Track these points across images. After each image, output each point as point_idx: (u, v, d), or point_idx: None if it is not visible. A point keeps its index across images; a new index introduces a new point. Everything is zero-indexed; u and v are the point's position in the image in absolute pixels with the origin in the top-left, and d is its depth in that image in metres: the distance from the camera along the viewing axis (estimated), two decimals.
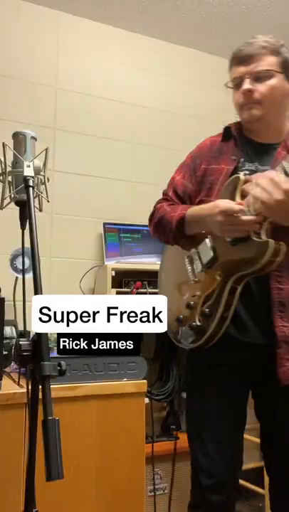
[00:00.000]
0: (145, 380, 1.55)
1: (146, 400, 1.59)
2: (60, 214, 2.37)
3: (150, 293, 2.00)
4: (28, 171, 1.07)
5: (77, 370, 1.45)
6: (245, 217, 1.14)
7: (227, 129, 1.40)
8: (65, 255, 2.36)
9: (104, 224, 2.38)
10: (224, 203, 1.18)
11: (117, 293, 2.07)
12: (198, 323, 1.25)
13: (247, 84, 1.27)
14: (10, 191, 1.17)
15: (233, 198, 1.20)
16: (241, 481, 2.17)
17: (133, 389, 1.52)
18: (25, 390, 1.29)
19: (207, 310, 1.23)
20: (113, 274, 2.07)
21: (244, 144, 1.35)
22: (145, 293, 2.01)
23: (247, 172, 1.26)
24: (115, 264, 2.12)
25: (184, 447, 2.02)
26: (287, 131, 1.33)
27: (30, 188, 1.02)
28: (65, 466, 0.73)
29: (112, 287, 2.07)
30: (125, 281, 2.12)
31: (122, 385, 1.50)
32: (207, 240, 1.28)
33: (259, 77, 1.27)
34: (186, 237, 1.33)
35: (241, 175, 1.22)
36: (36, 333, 0.84)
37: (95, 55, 2.58)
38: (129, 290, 2.05)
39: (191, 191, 1.39)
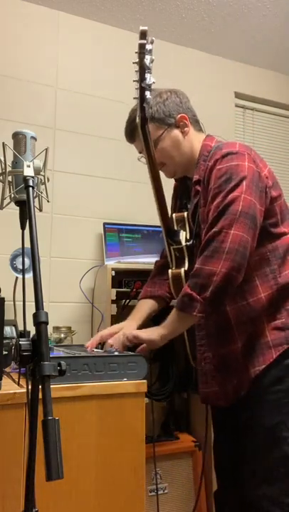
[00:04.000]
0: (145, 380, 1.54)
1: (146, 400, 1.59)
2: (60, 214, 2.37)
3: None
4: (28, 171, 1.07)
5: (77, 370, 1.44)
6: None
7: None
8: (65, 255, 2.36)
9: (104, 224, 2.38)
10: None
11: (117, 293, 2.07)
12: None
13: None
14: (10, 191, 1.17)
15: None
16: None
17: (133, 389, 1.51)
18: (25, 390, 1.29)
19: None
20: (113, 274, 2.07)
21: (186, 185, 1.55)
22: None
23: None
24: (115, 264, 2.12)
25: (184, 447, 2.02)
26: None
27: (30, 188, 1.02)
28: (65, 466, 0.73)
29: (112, 287, 2.07)
30: (125, 281, 2.12)
31: (122, 385, 1.50)
32: None
33: None
34: None
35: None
36: (36, 333, 0.84)
37: (95, 55, 2.58)
38: (129, 290, 2.06)
39: None
